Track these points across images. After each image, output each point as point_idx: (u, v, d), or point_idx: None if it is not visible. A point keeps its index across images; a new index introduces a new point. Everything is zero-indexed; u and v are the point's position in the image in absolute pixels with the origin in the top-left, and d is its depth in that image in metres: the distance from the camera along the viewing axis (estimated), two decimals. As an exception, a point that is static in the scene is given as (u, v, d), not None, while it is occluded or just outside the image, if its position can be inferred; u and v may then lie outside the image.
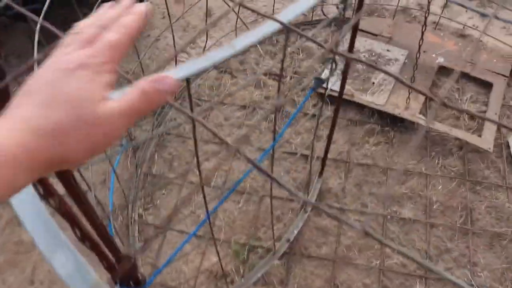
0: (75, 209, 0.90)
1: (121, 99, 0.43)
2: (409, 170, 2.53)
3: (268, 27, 1.08)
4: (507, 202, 2.48)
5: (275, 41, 3.09)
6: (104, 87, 0.43)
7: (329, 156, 2.50)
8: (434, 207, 2.43)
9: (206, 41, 2.95)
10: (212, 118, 2.74)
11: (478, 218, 2.42)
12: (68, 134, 0.40)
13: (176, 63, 2.78)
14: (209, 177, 2.51)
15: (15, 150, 0.38)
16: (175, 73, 0.95)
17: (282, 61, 1.11)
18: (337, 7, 1.49)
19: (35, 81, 0.43)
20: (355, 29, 1.72)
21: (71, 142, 0.41)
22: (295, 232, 2.27)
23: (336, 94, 2.14)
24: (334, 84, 2.39)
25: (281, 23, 0.87)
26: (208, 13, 3.21)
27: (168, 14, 2.26)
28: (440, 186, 2.50)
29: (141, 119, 2.71)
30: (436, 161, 2.58)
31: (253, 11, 0.96)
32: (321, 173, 2.38)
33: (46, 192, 0.78)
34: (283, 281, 2.19)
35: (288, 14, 1.11)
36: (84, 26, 0.47)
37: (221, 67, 2.96)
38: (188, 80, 0.96)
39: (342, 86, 1.92)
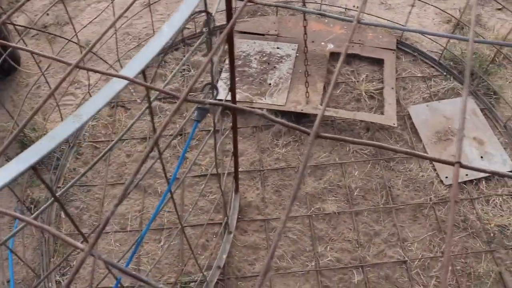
0: None
1: None
2: (322, 164, 2.51)
3: (116, 86, 0.96)
4: (421, 171, 2.53)
5: (163, 62, 2.95)
6: None
7: (241, 168, 2.42)
8: (355, 194, 2.43)
9: (89, 79, 2.75)
10: (114, 158, 2.56)
11: (398, 194, 2.45)
12: None
13: (59, 109, 2.57)
14: (123, 221, 2.34)
15: None
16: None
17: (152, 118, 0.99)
18: (202, 31, 1.39)
19: None
20: (230, 39, 1.64)
21: None
22: (224, 257, 2.17)
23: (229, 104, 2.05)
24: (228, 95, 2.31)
25: (129, 79, 0.75)
26: (83, 47, 3.01)
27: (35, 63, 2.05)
28: (357, 172, 2.50)
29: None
30: (347, 148, 2.58)
31: (95, 71, 0.83)
32: (236, 189, 2.29)
33: None
34: (223, 311, 2.08)
35: (138, 64, 0.99)
36: None
37: (112, 102, 2.78)
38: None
39: (233, 98, 1.84)
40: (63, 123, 0.91)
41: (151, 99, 1.16)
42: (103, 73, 0.70)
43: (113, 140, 2.62)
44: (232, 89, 1.83)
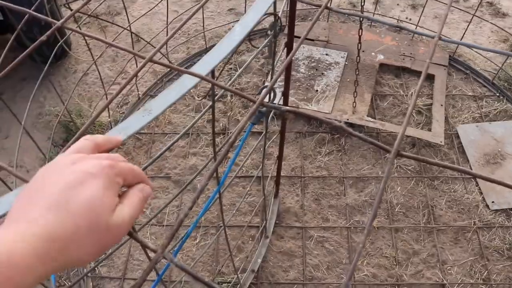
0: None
1: (127, 206, 0.49)
2: (365, 176, 2.46)
3: (187, 83, 0.93)
4: (466, 193, 2.45)
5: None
6: (115, 196, 0.48)
7: (282, 173, 2.40)
8: (396, 210, 2.37)
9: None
10: (155, 151, 2.57)
11: (441, 214, 2.38)
12: (83, 240, 0.43)
13: (107, 98, 2.59)
14: (161, 215, 2.35)
15: (28, 259, 0.39)
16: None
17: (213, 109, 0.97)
18: (267, 34, 1.36)
19: (42, 181, 0.46)
20: (290, 44, 1.62)
21: (86, 246, 0.44)
22: (259, 261, 2.14)
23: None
24: (276, 99, 2.29)
25: (201, 77, 0.73)
26: (136, 38, 3.04)
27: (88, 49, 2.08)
28: (399, 188, 2.44)
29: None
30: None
31: (166, 66, 0.82)
32: (276, 194, 2.27)
33: None
34: (254, 316, 2.06)
35: (209, 62, 0.97)
36: (92, 137, 0.55)
37: (157, 94, 2.80)
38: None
39: (286, 102, 1.81)
40: (133, 116, 0.89)
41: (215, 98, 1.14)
42: (175, 68, 0.69)
43: (155, 133, 2.64)
44: (286, 94, 1.80)
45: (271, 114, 1.81)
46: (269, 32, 1.38)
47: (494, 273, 2.22)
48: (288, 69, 1.65)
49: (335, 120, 2.55)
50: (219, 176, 1.31)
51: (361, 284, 2.15)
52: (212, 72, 1.01)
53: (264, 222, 2.12)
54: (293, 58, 2.78)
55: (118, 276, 2.20)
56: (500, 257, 2.28)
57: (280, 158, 2.02)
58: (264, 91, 0.64)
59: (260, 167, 1.75)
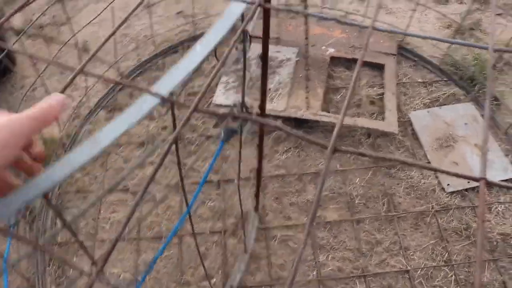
0: None
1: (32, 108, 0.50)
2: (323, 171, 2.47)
3: (144, 105, 0.85)
4: (422, 178, 2.51)
5: (161, 64, 2.91)
6: None
7: (240, 175, 2.38)
8: (356, 202, 2.40)
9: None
10: (111, 163, 2.52)
11: (400, 202, 2.42)
12: None
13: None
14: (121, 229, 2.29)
15: None
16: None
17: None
18: (236, 48, 1.31)
19: None
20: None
21: None
22: (238, 277, 2.11)
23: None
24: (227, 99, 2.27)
25: (162, 98, 0.68)
26: (84, 48, 2.96)
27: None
28: (358, 179, 2.47)
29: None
30: (348, 155, 2.55)
31: (119, 83, 0.78)
32: (256, 207, 2.22)
33: None
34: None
35: (170, 81, 0.88)
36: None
37: (109, 106, 2.74)
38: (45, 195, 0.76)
39: (263, 110, 1.73)
40: (79, 149, 0.81)
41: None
42: (131, 86, 0.66)
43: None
44: (263, 99, 1.73)
45: (246, 129, 1.77)
46: (238, 47, 1.30)
47: (454, 253, 2.28)
48: (263, 81, 1.59)
49: (271, 121, 2.54)
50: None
51: (328, 279, 2.17)
52: (171, 94, 0.96)
53: (244, 238, 2.09)
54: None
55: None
56: (459, 238, 2.35)
57: (259, 170, 1.97)
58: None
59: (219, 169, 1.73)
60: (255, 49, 2.91)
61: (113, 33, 0.71)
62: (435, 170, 0.51)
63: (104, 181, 2.44)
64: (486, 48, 0.60)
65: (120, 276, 2.16)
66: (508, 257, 2.30)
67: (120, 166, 2.50)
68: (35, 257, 2.21)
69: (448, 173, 0.50)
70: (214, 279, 2.13)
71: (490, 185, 0.48)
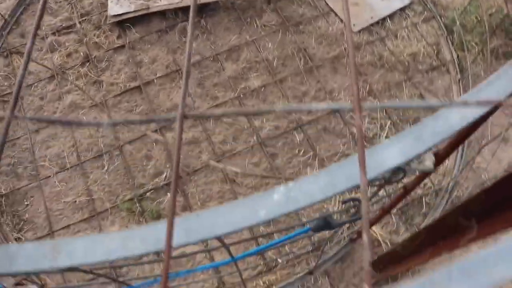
0: None
1: None
2: (236, 46, 2.52)
3: None
4: (329, 26, 2.61)
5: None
6: None
7: (159, 74, 2.40)
8: (275, 64, 2.48)
9: None
10: (28, 105, 2.44)
11: (314, 53, 2.53)
12: None
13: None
14: (61, 161, 2.30)
15: None
16: None
17: None
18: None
19: None
20: None
21: None
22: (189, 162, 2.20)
23: (129, 16, 1.97)
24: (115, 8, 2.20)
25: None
26: None
27: None
28: (270, 44, 2.54)
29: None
30: (255, 24, 2.60)
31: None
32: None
33: None
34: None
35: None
36: None
37: (3, 50, 2.60)
38: None
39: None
40: None
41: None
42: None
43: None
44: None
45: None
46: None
47: (374, 84, 2.45)
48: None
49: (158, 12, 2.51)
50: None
51: (268, 139, 2.29)
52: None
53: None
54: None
55: (46, 233, 2.18)
56: (374, 69, 2.51)
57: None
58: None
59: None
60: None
61: None
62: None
63: (27, 124, 2.38)
64: None
65: (76, 202, 2.20)
66: (419, 73, 2.50)
67: (39, 105, 2.44)
68: (-14, 214, 2.20)
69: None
70: (165, 173, 2.21)
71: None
